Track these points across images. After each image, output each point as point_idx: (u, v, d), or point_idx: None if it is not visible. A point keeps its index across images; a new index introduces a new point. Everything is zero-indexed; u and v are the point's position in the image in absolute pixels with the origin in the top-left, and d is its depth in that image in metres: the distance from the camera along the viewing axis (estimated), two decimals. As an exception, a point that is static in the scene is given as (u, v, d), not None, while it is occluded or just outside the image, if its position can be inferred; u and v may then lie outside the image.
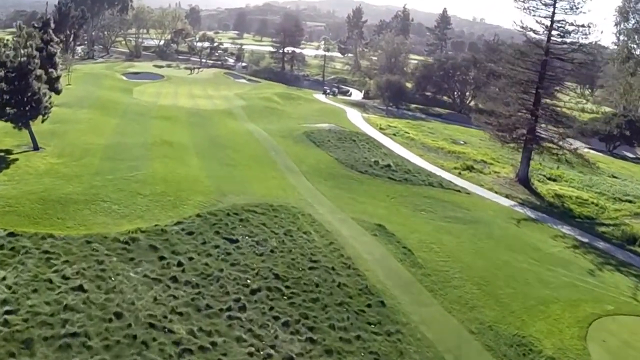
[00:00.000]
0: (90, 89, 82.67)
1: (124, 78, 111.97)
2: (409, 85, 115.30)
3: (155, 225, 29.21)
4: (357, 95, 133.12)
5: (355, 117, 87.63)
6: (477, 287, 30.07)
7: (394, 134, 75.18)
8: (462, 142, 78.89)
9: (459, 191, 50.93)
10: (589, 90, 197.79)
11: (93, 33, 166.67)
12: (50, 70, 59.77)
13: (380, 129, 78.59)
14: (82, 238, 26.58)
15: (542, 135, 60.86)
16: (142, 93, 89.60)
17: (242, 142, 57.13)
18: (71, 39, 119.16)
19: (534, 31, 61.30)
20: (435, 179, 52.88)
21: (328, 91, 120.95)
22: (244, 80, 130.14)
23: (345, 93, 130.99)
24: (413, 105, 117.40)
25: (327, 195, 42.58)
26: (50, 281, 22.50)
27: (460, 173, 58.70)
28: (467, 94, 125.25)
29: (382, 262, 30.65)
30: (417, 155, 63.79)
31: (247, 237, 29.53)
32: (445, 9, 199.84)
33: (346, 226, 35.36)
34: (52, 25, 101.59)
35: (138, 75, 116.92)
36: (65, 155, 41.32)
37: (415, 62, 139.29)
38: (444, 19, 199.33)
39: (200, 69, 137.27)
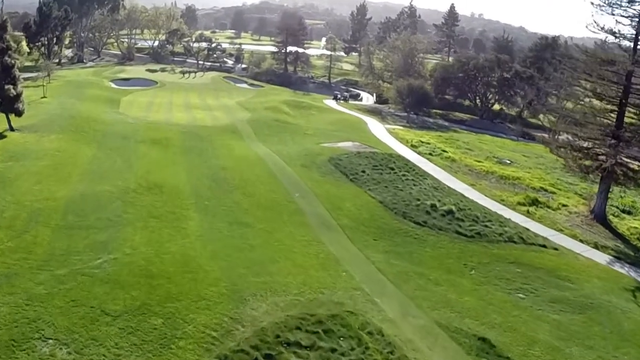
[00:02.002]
0: (69, 103, 68.16)
1: (112, 85, 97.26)
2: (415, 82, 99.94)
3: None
4: (367, 98, 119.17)
5: (379, 130, 73.56)
6: None
7: (430, 154, 61.49)
8: (508, 162, 65.33)
9: (544, 246, 37.12)
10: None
11: (82, 34, 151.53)
12: (6, 87, 45.61)
13: (412, 146, 64.84)
14: None
15: (630, 165, 47.01)
16: (131, 105, 75.01)
17: (254, 177, 42.83)
18: (54, 42, 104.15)
19: (614, 34, 46.85)
20: (510, 227, 38.89)
21: (339, 96, 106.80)
22: (245, 85, 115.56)
23: (356, 97, 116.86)
24: (432, 111, 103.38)
25: (386, 272, 28.71)
26: None
27: (528, 211, 45.42)
28: (490, 96, 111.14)
29: None
30: (468, 186, 50.11)
31: None
32: (452, 4, 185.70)
33: (438, 349, 21.50)
34: (33, 28, 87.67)
35: (128, 82, 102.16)
36: (1, 227, 27.02)
37: (433, 62, 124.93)
38: (452, 15, 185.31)
39: (197, 73, 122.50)
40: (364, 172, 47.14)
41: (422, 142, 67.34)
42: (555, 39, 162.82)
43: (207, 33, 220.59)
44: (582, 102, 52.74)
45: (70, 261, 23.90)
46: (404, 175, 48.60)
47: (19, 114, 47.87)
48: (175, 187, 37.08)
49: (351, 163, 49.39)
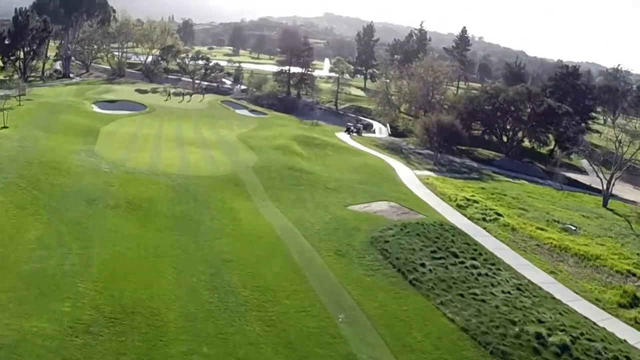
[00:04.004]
0: (32, 137, 54.07)
1: (95, 109, 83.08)
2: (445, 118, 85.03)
3: None
4: (379, 129, 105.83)
5: (410, 179, 60.18)
6: None
7: (484, 218, 48.57)
8: (573, 228, 52.68)
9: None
10: (611, 117, 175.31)
11: (70, 47, 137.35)
12: None
13: (459, 206, 51.71)
14: None
15: None
16: (111, 139, 60.89)
17: (274, 280, 28.74)
18: (30, 56, 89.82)
19: None
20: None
21: (352, 128, 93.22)
22: (246, 112, 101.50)
23: (369, 129, 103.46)
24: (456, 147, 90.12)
25: None
26: None
27: (637, 320, 32.47)
28: (519, 133, 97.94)
29: None
30: (549, 275, 37.77)
31: None
32: (464, 27, 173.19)
33: None
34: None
35: (114, 105, 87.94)
36: None
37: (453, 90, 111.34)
38: (463, 39, 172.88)
39: (192, 95, 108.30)
40: (423, 265, 33.29)
41: (467, 199, 54.11)
42: (576, 68, 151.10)
43: (205, 49, 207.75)
44: None
45: None
46: (472, 264, 35.17)
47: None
48: (154, 314, 22.94)
49: (401, 247, 35.53)
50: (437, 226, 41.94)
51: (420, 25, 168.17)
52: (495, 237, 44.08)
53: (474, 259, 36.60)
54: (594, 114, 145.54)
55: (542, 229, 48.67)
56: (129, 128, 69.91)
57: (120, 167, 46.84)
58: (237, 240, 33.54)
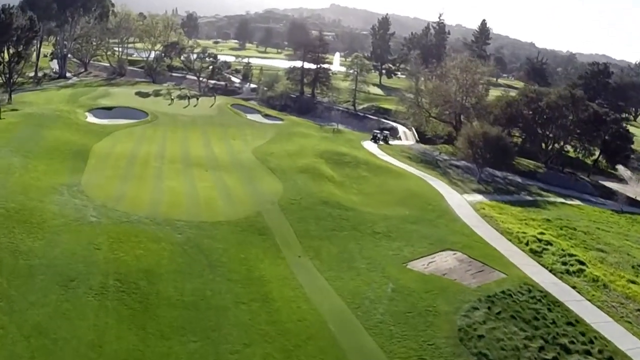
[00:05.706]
0: (6, 166, 43.33)
1: (89, 119, 72.43)
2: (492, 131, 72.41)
3: None
4: (404, 133, 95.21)
5: (465, 211, 49.34)
6: None
7: (567, 271, 38.80)
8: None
9: None
10: (633, 115, 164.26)
11: (66, 43, 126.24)
12: None
13: (532, 251, 41.41)
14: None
15: None
16: (103, 164, 50.17)
17: None
18: (15, 60, 78.77)
19: None
20: None
21: (379, 136, 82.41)
22: (259, 117, 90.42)
23: (395, 135, 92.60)
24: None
25: None
26: None
27: None
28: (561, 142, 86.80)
29: None
30: None
31: None
32: (484, 20, 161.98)
33: None
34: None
35: (111, 113, 77.19)
36: None
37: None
38: (483, 32, 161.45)
39: (199, 98, 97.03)
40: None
41: (538, 239, 43.77)
42: (607, 65, 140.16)
43: (210, 43, 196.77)
44: None
45: None
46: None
47: None
48: None
49: (502, 346, 25.16)
50: (526, 294, 32.02)
51: (439, 18, 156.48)
52: (589, 300, 34.62)
53: (588, 352, 26.62)
54: (624, 115, 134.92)
55: (633, 282, 38.68)
56: (126, 145, 59.21)
57: (111, 213, 35.98)
58: (276, 349, 22.84)
